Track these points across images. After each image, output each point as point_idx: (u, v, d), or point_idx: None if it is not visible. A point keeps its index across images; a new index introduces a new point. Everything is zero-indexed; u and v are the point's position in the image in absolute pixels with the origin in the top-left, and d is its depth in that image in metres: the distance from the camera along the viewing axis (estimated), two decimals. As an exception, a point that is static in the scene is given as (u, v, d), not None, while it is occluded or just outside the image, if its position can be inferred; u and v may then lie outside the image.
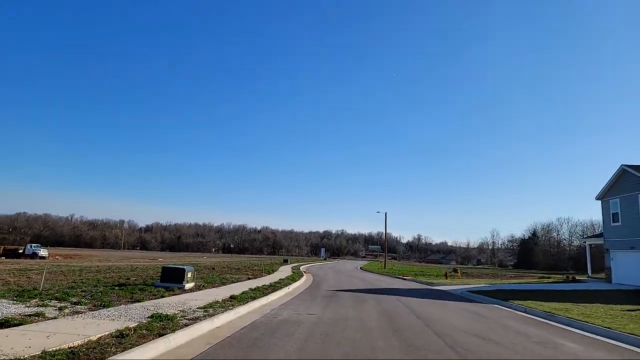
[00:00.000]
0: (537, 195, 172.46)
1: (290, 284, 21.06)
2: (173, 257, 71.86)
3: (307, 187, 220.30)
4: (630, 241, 26.41)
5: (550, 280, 32.90)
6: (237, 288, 17.16)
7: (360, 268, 58.34)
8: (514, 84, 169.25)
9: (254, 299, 13.83)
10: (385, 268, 57.70)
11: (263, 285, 18.66)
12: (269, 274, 29.09)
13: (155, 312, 9.38)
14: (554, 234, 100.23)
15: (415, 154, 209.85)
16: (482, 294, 21.41)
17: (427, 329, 10.15)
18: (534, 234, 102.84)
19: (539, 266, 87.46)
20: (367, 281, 29.40)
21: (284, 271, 33.76)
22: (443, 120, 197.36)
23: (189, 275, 16.03)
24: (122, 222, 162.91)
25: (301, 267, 44.76)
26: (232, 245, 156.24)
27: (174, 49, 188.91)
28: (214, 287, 17.28)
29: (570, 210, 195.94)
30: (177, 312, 10.03)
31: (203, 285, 16.96)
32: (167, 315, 8.99)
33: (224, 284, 18.91)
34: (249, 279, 23.22)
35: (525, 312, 15.75)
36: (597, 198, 30.12)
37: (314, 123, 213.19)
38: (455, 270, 45.07)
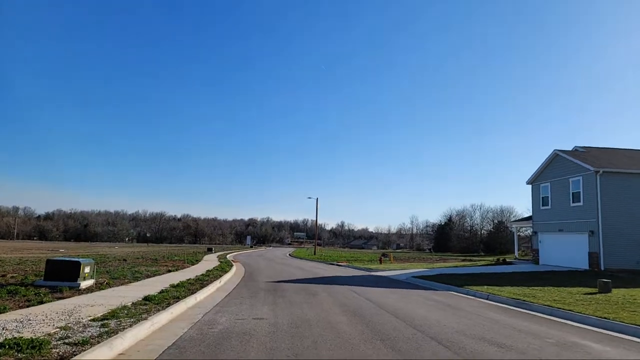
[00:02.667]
0: (453, 183, 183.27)
1: (220, 276, 17.79)
2: (78, 248, 63.49)
3: (231, 173, 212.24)
4: (559, 224, 26.93)
5: (482, 262, 33.27)
6: (153, 285, 13.59)
7: (290, 255, 56.00)
8: (433, 79, 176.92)
9: (177, 299, 10.53)
10: (315, 254, 55.99)
11: (188, 280, 15.23)
12: (192, 264, 25.34)
13: (11, 338, 5.65)
14: (468, 219, 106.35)
15: (337, 141, 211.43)
16: (428, 279, 20.26)
17: (419, 334, 7.80)
18: (450, 219, 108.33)
19: (454, 249, 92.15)
20: (304, 269, 26.93)
21: (210, 261, 30.08)
22: (365, 111, 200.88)
23: (87, 269, 12.14)
24: (17, 208, 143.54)
25: (228, 256, 41.10)
26: (148, 235, 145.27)
27: None
28: (122, 284, 13.51)
29: (483, 197, 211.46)
30: (55, 329, 6.52)
31: (107, 283, 13.09)
32: (31, 341, 5.40)
33: (136, 279, 15.14)
34: (169, 271, 19.49)
35: (488, 299, 14.42)
36: (528, 182, 30.57)
37: (236, 107, 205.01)
38: (385, 255, 44.53)
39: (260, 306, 10.69)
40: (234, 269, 23.65)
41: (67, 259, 12.22)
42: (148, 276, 16.59)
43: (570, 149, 28.56)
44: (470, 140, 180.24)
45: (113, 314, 8.01)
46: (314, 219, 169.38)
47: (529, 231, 38.68)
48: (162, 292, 11.66)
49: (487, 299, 14.60)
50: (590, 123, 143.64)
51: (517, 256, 33.23)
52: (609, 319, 9.76)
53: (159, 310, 8.83)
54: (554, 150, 27.78)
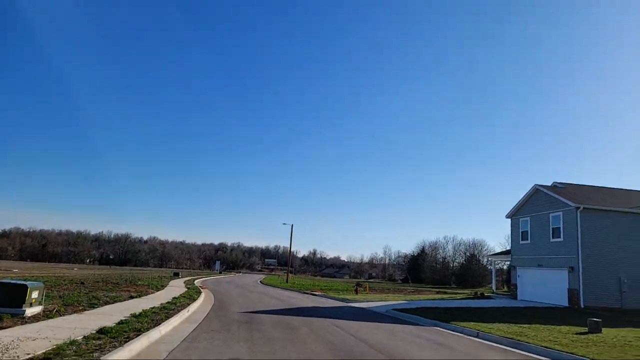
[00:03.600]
0: (426, 215, 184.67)
1: (188, 304, 16.22)
2: (32, 268, 59.21)
3: (201, 197, 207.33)
4: (538, 259, 26.67)
5: (459, 295, 32.58)
6: (112, 313, 12.03)
7: (261, 282, 53.89)
8: (412, 112, 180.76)
9: (138, 332, 9.12)
10: (287, 282, 54.09)
11: (152, 308, 13.68)
12: (157, 290, 23.46)
13: None
14: (440, 251, 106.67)
15: (311, 168, 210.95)
16: (409, 312, 19.35)
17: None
18: (423, 250, 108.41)
19: (426, 281, 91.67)
20: (279, 299, 25.41)
21: (177, 287, 28.12)
22: (339, 142, 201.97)
23: (35, 294, 10.54)
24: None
25: (196, 282, 38.87)
26: (112, 257, 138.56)
27: None
28: (76, 311, 11.88)
29: (456, 230, 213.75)
30: (-20, 375, 5.17)
31: (58, 311, 11.44)
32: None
33: (93, 306, 13.46)
34: (132, 297, 17.74)
35: (478, 337, 13.56)
36: (508, 216, 30.45)
37: (210, 127, 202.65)
38: (360, 285, 43.36)
39: (235, 343, 9.39)
40: (202, 296, 21.97)
41: (11, 281, 10.62)
42: (107, 302, 14.90)
43: (548, 184, 28.68)
44: (445, 173, 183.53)
45: (57, 351, 6.62)
46: (286, 245, 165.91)
47: (505, 265, 38.46)
48: (121, 322, 10.18)
49: (477, 336, 13.74)
50: (564, 161, 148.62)
51: (494, 290, 32.77)
52: (619, 365, 9.02)
53: (115, 347, 7.47)
54: (535, 185, 27.82)
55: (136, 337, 8.62)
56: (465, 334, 14.15)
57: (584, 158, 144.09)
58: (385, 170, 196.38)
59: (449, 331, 14.63)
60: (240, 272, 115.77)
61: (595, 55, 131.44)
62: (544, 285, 25.86)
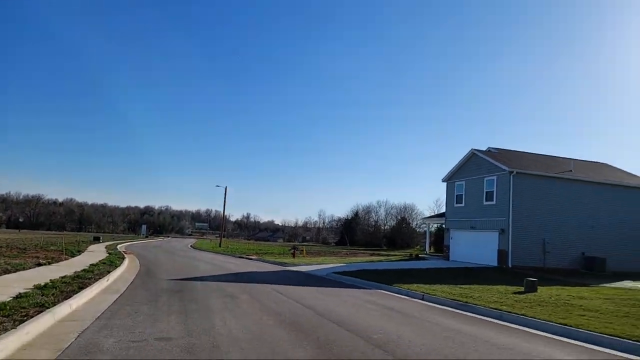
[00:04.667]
0: (360, 179, 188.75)
1: (109, 271, 14.26)
2: None
3: (126, 157, 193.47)
4: (471, 221, 27.59)
5: (395, 257, 33.30)
6: (10, 285, 9.92)
7: (192, 247, 51.65)
8: (335, 76, 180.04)
9: (42, 308, 7.34)
10: (220, 247, 52.40)
11: (62, 278, 11.65)
12: (73, 256, 20.87)
13: None
14: (373, 214, 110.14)
15: (245, 132, 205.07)
16: (351, 275, 18.99)
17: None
18: (357, 214, 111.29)
19: (358, 243, 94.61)
20: (213, 264, 23.90)
21: (97, 252, 25.46)
22: (277, 104, 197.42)
23: None
24: None
25: (119, 247, 35.93)
26: (21, 220, 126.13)
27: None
28: (-39, 284, 9.61)
29: (388, 194, 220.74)
30: None
31: None
32: None
33: (-15, 276, 11.13)
34: (40, 265, 15.33)
35: (423, 299, 13.30)
36: (444, 180, 31.06)
37: (138, 87, 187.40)
38: (296, 248, 42.91)
39: (165, 317, 7.94)
40: (126, 262, 19.86)
41: None
42: (7, 271, 12.55)
43: (483, 149, 29.41)
44: (378, 139, 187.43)
45: None
46: (218, 209, 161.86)
47: (433, 227, 39.86)
48: (19, 297, 8.26)
49: (422, 299, 13.47)
50: (493, 126, 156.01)
51: (427, 252, 33.93)
52: (572, 326, 8.91)
53: (6, 330, 5.73)
54: (471, 149, 28.36)
55: (38, 314, 6.87)
56: (410, 296, 13.84)
57: (517, 125, 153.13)
58: (321, 133, 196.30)
59: (394, 294, 14.26)
60: (169, 237, 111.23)
61: (524, 23, 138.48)
62: (476, 247, 26.88)
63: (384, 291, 14.89)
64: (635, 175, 28.96)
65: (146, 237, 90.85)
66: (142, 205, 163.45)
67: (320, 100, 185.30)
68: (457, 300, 12.39)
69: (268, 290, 12.81)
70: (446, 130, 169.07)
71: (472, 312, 11.16)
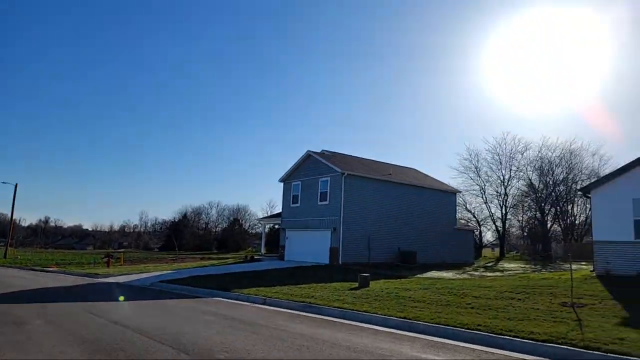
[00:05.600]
0: (190, 179, 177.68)
1: None
2: None
3: None
4: (306, 221, 28.25)
5: (230, 260, 31.79)
6: None
7: (-37, 259, 40.04)
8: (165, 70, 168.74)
9: None
10: (6, 257, 42.12)
11: None
12: None
13: None
14: (204, 216, 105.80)
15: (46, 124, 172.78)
16: (181, 283, 17.08)
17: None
18: (185, 216, 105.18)
19: (187, 247, 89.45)
20: (-8, 280, 18.40)
21: None
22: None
23: None
24: None
25: None
26: None
27: None
28: None
29: (220, 195, 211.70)
30: None
31: None
32: None
33: None
34: None
35: (265, 303, 12.48)
36: (281, 180, 31.15)
37: None
38: (111, 256, 37.36)
39: None
40: None
41: None
42: None
43: (318, 151, 30.51)
44: (211, 140, 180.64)
45: None
46: (3, 211, 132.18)
47: (267, 228, 39.86)
48: None
49: (264, 303, 12.59)
50: (324, 130, 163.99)
51: (263, 253, 33.51)
52: (411, 319, 9.18)
53: None
54: (307, 151, 29.06)
55: None
56: (252, 302, 12.82)
57: (345, 131, 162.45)
58: (141, 125, 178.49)
59: (233, 301, 13.03)
60: None
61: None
62: (311, 246, 27.54)
63: (221, 298, 13.50)
64: (437, 180, 34.22)
65: None
66: None
67: (148, 93, 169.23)
68: (301, 302, 11.89)
69: (74, 311, 10.02)
70: (282, 133, 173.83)
71: (317, 313, 10.76)
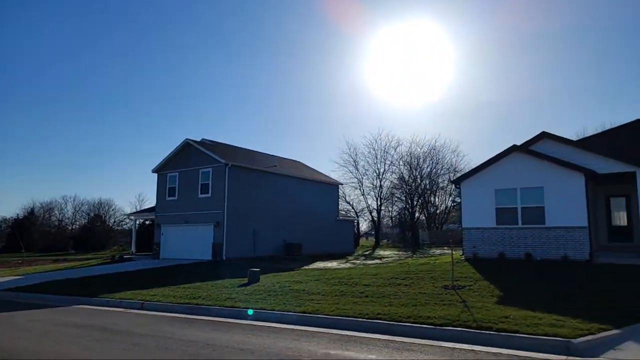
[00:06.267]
0: (39, 171, 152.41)
1: None
2: None
3: None
4: (185, 215, 26.24)
5: (94, 261, 27.81)
6: None
7: None
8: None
9: None
10: None
11: None
12: None
13: None
14: (57, 212, 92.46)
15: None
16: (34, 291, 14.32)
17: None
18: (32, 212, 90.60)
19: (36, 248, 77.16)
20: None
21: None
22: None
23: None
24: None
25: None
26: None
27: None
28: None
29: (77, 188, 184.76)
30: None
31: None
32: None
33: None
34: None
35: (143, 308, 11.07)
36: (154, 171, 28.36)
37: None
38: None
39: None
40: None
41: None
42: None
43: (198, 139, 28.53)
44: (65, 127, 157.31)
45: None
46: None
47: (137, 224, 36.19)
48: None
49: (141, 308, 11.10)
50: (203, 120, 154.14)
51: (134, 252, 30.09)
52: (311, 313, 8.83)
53: None
54: (186, 139, 26.96)
55: None
56: (126, 307, 11.22)
57: (225, 120, 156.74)
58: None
59: (103, 308, 11.25)
60: None
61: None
62: (191, 242, 25.68)
63: (87, 306, 11.57)
64: (321, 173, 34.88)
65: None
66: None
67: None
68: (187, 304, 10.72)
69: None
70: (152, 122, 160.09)
71: (207, 315, 9.77)
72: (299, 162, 35.53)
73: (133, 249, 30.51)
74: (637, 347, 5.73)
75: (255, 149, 32.45)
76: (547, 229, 14.87)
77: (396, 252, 31.96)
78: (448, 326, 7.11)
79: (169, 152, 27.63)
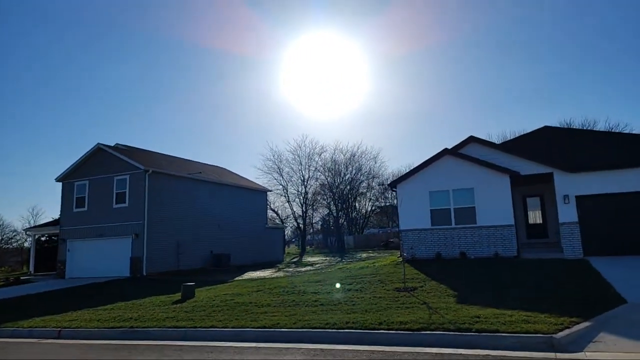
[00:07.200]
0: None
1: None
2: None
3: None
4: (97, 228, 23.40)
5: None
6: None
7: None
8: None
9: None
10: None
11: None
12: None
13: None
14: None
15: None
16: None
17: None
18: None
19: None
20: None
21: None
22: None
23: None
24: None
25: None
26: None
27: None
28: None
29: None
30: None
31: None
32: None
33: None
34: None
35: (61, 337, 9.42)
36: (59, 179, 25.01)
37: None
38: None
39: None
40: None
41: None
42: None
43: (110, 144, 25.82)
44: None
45: None
46: None
47: (28, 242, 31.69)
48: None
49: (59, 337, 9.38)
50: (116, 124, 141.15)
51: (32, 272, 25.98)
52: (270, 328, 8.05)
53: None
54: (98, 144, 24.20)
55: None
56: (38, 337, 9.36)
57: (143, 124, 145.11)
58: None
59: (10, 340, 9.26)
60: None
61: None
62: (104, 257, 22.98)
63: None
64: (248, 179, 33.57)
65: None
66: None
67: None
68: (119, 327, 9.26)
69: None
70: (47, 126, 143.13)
71: (148, 339, 8.51)
72: (224, 168, 33.94)
73: (31, 269, 26.45)
74: (613, 338, 5.94)
75: (177, 155, 30.35)
76: (478, 228, 15.66)
77: (324, 258, 31.86)
78: (425, 330, 6.84)
79: (76, 158, 24.72)
